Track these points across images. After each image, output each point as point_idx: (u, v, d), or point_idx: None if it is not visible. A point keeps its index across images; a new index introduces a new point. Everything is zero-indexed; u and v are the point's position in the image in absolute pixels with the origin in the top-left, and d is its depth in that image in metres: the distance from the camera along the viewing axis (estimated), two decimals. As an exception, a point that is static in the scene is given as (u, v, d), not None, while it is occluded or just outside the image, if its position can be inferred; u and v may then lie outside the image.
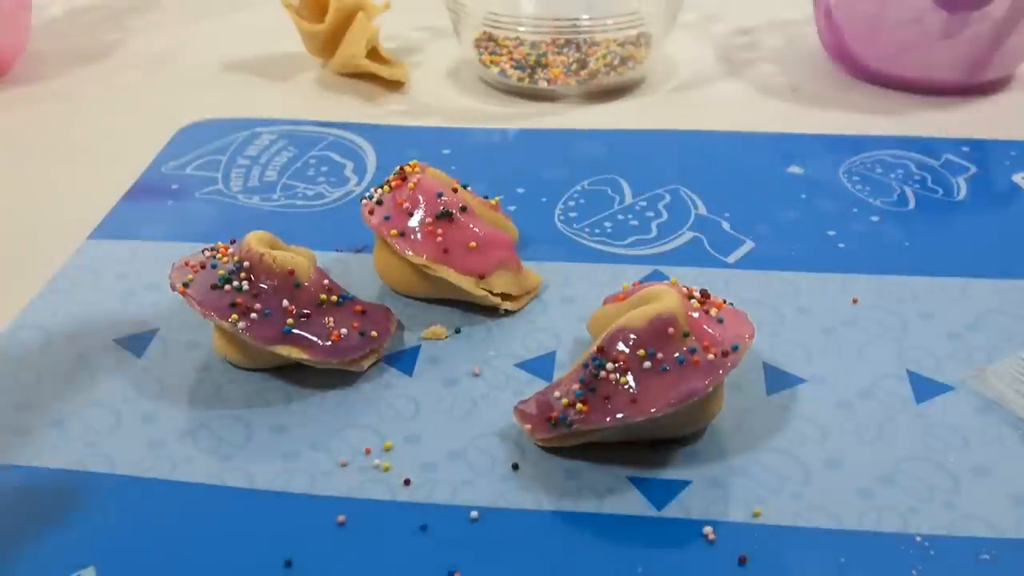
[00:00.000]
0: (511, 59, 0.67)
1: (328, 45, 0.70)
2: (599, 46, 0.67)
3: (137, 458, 0.38)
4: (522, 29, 0.66)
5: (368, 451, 0.38)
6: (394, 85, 0.70)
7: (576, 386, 0.36)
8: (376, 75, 0.69)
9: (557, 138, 0.60)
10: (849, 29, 0.67)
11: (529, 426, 0.37)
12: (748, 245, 0.49)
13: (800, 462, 0.37)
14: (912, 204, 0.53)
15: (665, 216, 0.52)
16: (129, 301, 0.47)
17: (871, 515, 0.35)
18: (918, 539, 0.34)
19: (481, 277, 0.43)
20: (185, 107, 0.67)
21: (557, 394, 0.37)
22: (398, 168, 0.46)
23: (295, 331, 0.40)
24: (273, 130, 0.62)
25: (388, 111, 0.66)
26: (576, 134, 0.61)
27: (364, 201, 0.46)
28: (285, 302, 0.41)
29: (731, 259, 0.48)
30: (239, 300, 0.40)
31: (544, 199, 0.54)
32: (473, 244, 0.43)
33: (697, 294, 0.38)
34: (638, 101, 0.67)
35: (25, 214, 0.55)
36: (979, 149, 0.59)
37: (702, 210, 0.52)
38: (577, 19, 0.66)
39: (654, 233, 0.50)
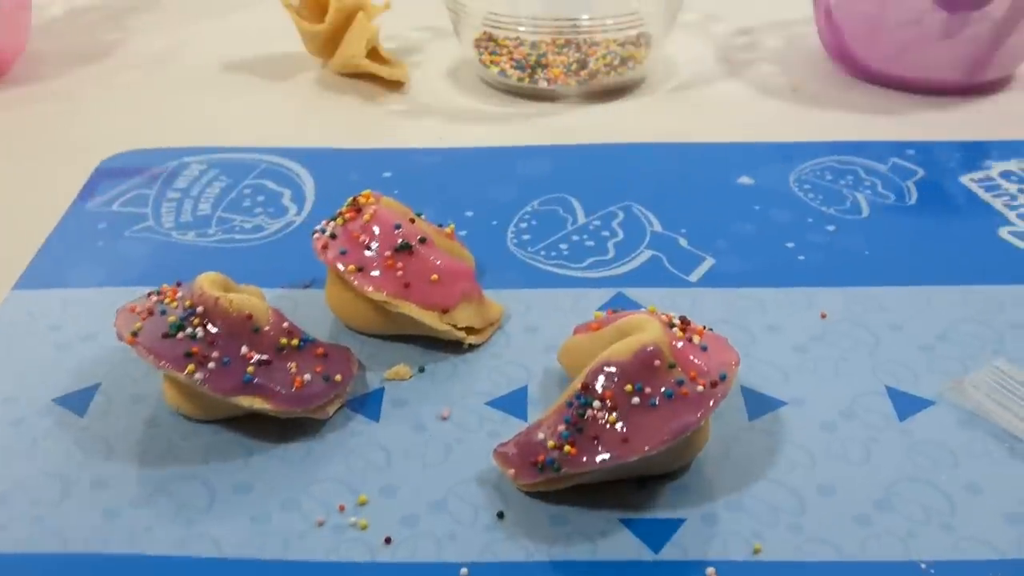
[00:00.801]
0: (511, 59, 0.67)
1: (328, 45, 0.70)
2: (599, 46, 0.67)
3: (90, 532, 0.35)
4: (522, 29, 0.66)
5: (342, 508, 0.35)
6: (394, 85, 0.70)
7: (562, 427, 0.34)
8: (376, 75, 0.69)
9: (500, 156, 0.59)
10: (849, 29, 0.66)
11: (512, 471, 0.35)
12: (709, 262, 0.49)
13: (792, 491, 0.36)
14: (866, 212, 0.53)
15: (620, 235, 0.51)
16: (65, 356, 0.43)
17: (872, 543, 0.34)
18: (923, 566, 0.33)
19: (445, 311, 0.42)
20: (185, 107, 0.67)
21: (541, 436, 0.35)
22: (351, 199, 0.44)
23: (256, 380, 0.37)
24: (201, 159, 0.59)
25: (388, 111, 0.67)
26: (519, 151, 0.59)
27: (316, 235, 0.43)
28: (244, 348, 0.38)
29: (693, 277, 0.48)
30: (194, 349, 0.37)
31: (495, 222, 0.52)
32: (435, 277, 0.41)
33: (677, 321, 0.37)
34: (638, 101, 0.67)
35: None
36: (924, 152, 0.58)
37: (657, 227, 0.51)
38: (577, 19, 0.66)
39: (611, 253, 0.49)
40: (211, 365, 0.37)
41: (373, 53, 0.70)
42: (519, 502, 0.36)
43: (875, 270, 0.48)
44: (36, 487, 0.37)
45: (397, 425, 0.39)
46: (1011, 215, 0.52)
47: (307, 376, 0.38)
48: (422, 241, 0.42)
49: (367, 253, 0.42)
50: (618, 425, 0.34)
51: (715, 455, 0.38)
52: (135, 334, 0.38)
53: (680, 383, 0.34)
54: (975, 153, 0.58)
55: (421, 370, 0.42)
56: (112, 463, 0.38)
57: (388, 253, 0.41)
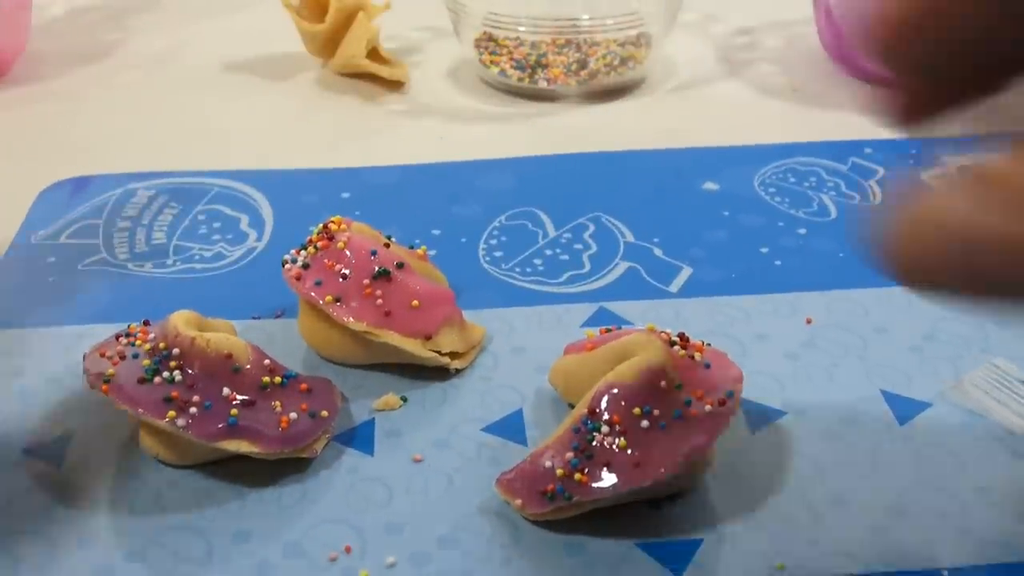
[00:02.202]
0: (511, 59, 0.67)
1: (328, 45, 0.70)
2: (599, 46, 0.67)
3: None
4: (522, 29, 0.66)
5: (348, 549, 0.34)
6: (394, 85, 0.70)
7: (570, 454, 0.33)
8: (376, 75, 0.69)
9: (459, 170, 0.57)
10: (849, 29, 0.66)
11: (520, 501, 0.34)
12: (686, 271, 0.48)
13: (806, 504, 0.36)
14: (834, 213, 0.53)
15: (594, 247, 0.50)
16: (31, 403, 0.40)
17: (892, 553, 0.34)
18: (945, 573, 0.33)
19: (427, 337, 0.40)
20: (185, 107, 0.67)
21: (548, 464, 0.34)
22: (321, 226, 0.42)
23: (241, 422, 0.35)
24: (149, 184, 0.56)
25: (388, 111, 0.67)
26: (479, 164, 0.58)
27: (287, 266, 0.42)
28: (226, 390, 0.36)
29: (673, 287, 0.47)
30: (174, 393, 0.35)
31: (464, 239, 0.51)
32: (415, 303, 0.40)
33: (676, 339, 0.37)
34: (638, 101, 0.67)
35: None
36: (881, 150, 0.58)
37: (630, 237, 0.51)
38: (577, 19, 0.66)
39: (587, 267, 0.49)
40: (192, 410, 0.35)
41: (373, 53, 0.70)
42: (530, 532, 0.35)
43: (852, 272, 0.48)
44: (18, 547, 0.34)
45: (393, 459, 0.38)
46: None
47: (293, 415, 0.37)
48: (399, 266, 0.41)
49: (343, 282, 0.40)
50: (629, 450, 0.33)
51: (722, 471, 0.37)
52: (107, 381, 0.36)
53: (688, 403, 0.34)
54: (931, 150, 0.58)
55: (404, 400, 0.40)
56: (97, 517, 0.35)
57: (366, 281, 0.40)
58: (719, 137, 0.61)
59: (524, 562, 0.33)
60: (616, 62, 0.67)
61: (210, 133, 0.64)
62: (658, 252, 0.50)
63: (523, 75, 0.67)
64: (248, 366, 0.37)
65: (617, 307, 0.46)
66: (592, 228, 0.52)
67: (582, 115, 0.66)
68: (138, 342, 0.37)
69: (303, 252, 0.42)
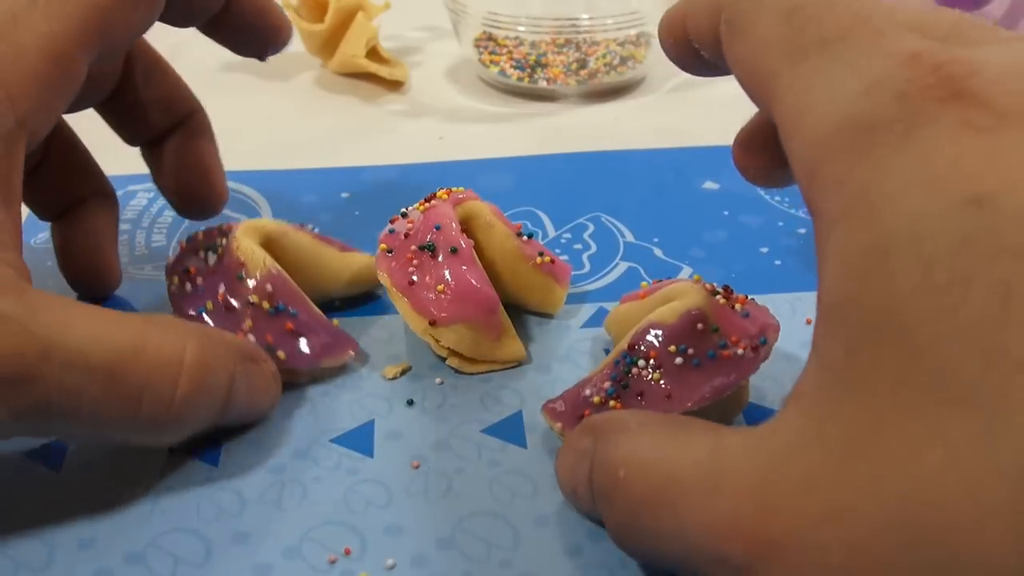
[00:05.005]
0: (511, 59, 0.67)
1: (328, 45, 0.70)
2: (599, 46, 0.67)
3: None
4: (522, 29, 0.66)
5: (348, 551, 0.34)
6: (394, 85, 0.70)
7: (608, 384, 0.36)
8: (376, 75, 0.69)
9: (459, 171, 0.57)
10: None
11: (560, 424, 0.36)
12: (687, 271, 0.48)
13: None
14: None
15: (594, 248, 0.50)
16: None
17: None
18: None
19: (432, 323, 0.39)
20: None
21: (587, 392, 0.36)
22: (434, 193, 0.44)
23: (205, 317, 0.39)
24: (148, 187, 0.55)
25: (388, 111, 0.67)
26: (479, 164, 0.58)
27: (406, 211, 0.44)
28: (221, 288, 0.39)
29: None
30: (192, 268, 0.40)
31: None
32: (440, 287, 0.40)
33: (720, 290, 0.39)
34: (638, 101, 0.68)
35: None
36: None
37: (629, 237, 0.51)
38: (577, 19, 0.66)
39: (587, 267, 0.49)
40: (188, 287, 0.40)
41: (373, 53, 0.70)
42: (529, 534, 0.34)
43: None
44: (18, 550, 0.34)
45: (393, 459, 0.37)
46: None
47: (251, 338, 0.38)
48: (453, 251, 0.40)
49: (403, 240, 0.41)
50: (662, 382, 0.35)
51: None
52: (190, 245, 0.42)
53: (723, 346, 0.36)
54: None
55: (410, 403, 0.40)
56: (97, 520, 0.35)
57: (413, 247, 0.41)
58: (719, 137, 0.60)
59: (523, 565, 0.33)
60: (616, 62, 0.67)
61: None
62: (658, 252, 0.50)
63: (523, 75, 0.67)
64: (253, 281, 0.40)
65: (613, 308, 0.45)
66: (592, 228, 0.52)
67: (582, 115, 0.66)
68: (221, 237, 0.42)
69: (414, 209, 0.43)
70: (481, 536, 0.34)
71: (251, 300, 0.39)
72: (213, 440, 0.38)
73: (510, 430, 0.39)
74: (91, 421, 0.31)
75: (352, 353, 0.41)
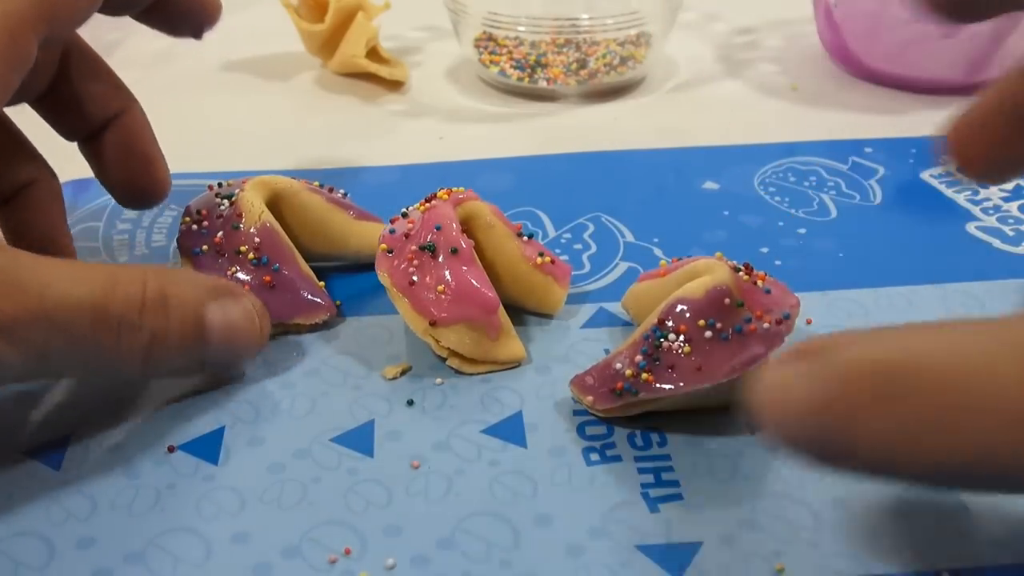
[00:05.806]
0: (511, 59, 0.67)
1: (328, 45, 0.70)
2: (599, 46, 0.67)
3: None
4: (522, 29, 0.66)
5: (348, 551, 0.33)
6: (394, 85, 0.70)
7: (639, 357, 0.37)
8: (376, 75, 0.69)
9: (459, 171, 0.57)
10: (849, 28, 0.66)
11: (591, 398, 0.38)
12: None
13: (806, 505, 0.35)
14: (834, 213, 0.53)
15: (594, 248, 0.50)
16: (31, 403, 0.40)
17: (893, 555, 0.34)
18: (945, 574, 0.33)
19: (432, 323, 0.40)
20: (184, 107, 0.67)
21: (619, 366, 0.37)
22: (434, 193, 0.44)
23: (197, 255, 0.43)
24: None
25: (388, 111, 0.67)
26: (479, 164, 0.58)
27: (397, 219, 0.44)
28: (220, 233, 0.43)
29: None
30: (204, 211, 0.44)
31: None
32: (440, 288, 0.40)
33: (742, 267, 0.40)
34: (638, 101, 0.68)
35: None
36: (881, 149, 0.59)
37: (629, 237, 0.51)
38: (577, 19, 0.66)
39: (587, 267, 0.48)
40: (194, 227, 0.44)
41: (373, 53, 0.70)
42: (529, 534, 0.34)
43: (851, 272, 0.48)
44: (17, 548, 0.34)
45: (393, 459, 0.37)
46: (975, 210, 0.52)
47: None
48: (453, 252, 0.40)
49: (404, 240, 0.42)
50: (692, 356, 0.36)
51: (723, 473, 0.37)
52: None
53: (748, 320, 0.37)
54: (930, 148, 0.58)
55: (410, 403, 0.40)
56: (97, 519, 0.35)
57: (413, 247, 0.41)
58: (719, 137, 0.61)
59: (523, 565, 0.33)
60: (616, 62, 0.67)
61: (209, 133, 0.64)
62: (658, 252, 0.49)
63: (523, 75, 0.67)
64: (245, 232, 0.43)
65: (618, 307, 0.45)
66: (592, 228, 0.52)
67: (582, 115, 0.66)
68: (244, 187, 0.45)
69: (415, 209, 0.44)
70: (481, 536, 0.34)
71: (240, 249, 0.43)
72: (213, 439, 0.38)
73: (510, 430, 0.39)
74: (82, 358, 0.34)
75: (326, 316, 0.44)
